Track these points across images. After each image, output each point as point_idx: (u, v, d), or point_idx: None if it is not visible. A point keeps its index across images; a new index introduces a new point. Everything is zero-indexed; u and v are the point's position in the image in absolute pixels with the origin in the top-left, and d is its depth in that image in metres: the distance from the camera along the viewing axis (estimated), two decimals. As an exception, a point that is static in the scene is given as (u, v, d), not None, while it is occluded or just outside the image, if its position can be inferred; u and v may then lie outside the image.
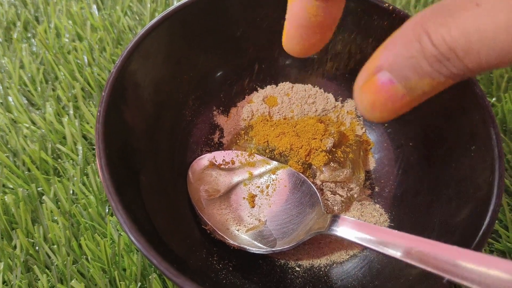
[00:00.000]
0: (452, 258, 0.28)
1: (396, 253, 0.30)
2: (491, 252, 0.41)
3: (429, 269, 0.29)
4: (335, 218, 0.35)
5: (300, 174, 0.41)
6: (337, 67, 0.46)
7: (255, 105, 0.45)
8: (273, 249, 0.37)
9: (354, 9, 0.42)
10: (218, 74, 0.45)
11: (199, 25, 0.41)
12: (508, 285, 0.26)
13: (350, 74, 0.46)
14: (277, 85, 0.47)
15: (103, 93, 0.33)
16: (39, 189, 0.44)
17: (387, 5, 0.40)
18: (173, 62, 0.41)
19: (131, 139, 0.36)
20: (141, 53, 0.37)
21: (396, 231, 0.32)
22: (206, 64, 0.44)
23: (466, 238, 0.32)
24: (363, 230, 0.33)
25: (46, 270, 0.39)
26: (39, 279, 0.39)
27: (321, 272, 0.39)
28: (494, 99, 0.50)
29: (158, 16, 0.38)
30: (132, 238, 0.28)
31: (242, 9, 0.42)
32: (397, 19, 0.40)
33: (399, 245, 0.31)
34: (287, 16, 0.26)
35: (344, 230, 0.34)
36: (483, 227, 0.31)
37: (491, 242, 0.41)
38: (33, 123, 0.48)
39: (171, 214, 0.38)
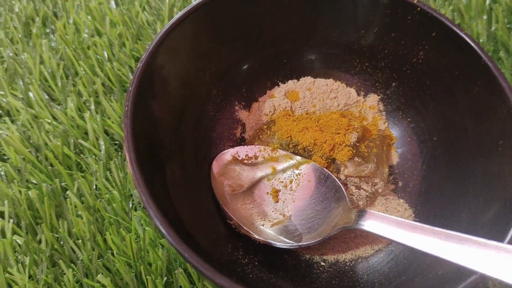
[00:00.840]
0: (485, 252, 0.28)
1: (425, 247, 0.30)
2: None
3: (460, 263, 0.29)
4: (361, 213, 0.35)
5: (324, 169, 0.41)
6: (360, 61, 0.46)
7: (277, 99, 0.45)
8: (299, 243, 0.37)
9: (379, 4, 0.42)
10: (241, 68, 0.45)
11: (222, 19, 0.41)
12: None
13: (373, 68, 0.46)
14: (298, 80, 0.47)
15: (130, 88, 0.33)
16: (62, 184, 0.44)
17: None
18: (197, 56, 0.41)
19: (158, 132, 0.36)
20: (167, 47, 0.37)
21: (424, 224, 0.31)
22: (229, 58, 0.44)
23: (495, 235, 0.31)
24: (391, 224, 0.33)
25: (72, 264, 0.40)
26: (65, 274, 0.39)
27: (347, 267, 0.39)
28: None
29: (182, 11, 0.38)
30: (164, 231, 0.28)
31: (266, 3, 0.42)
32: (420, 13, 0.40)
33: (428, 239, 0.31)
34: None
35: (371, 224, 0.34)
36: (515, 222, 0.31)
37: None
38: (55, 118, 0.48)
39: (196, 208, 0.38)
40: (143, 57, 0.35)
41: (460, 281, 0.29)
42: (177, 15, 0.37)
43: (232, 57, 0.44)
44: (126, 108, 0.32)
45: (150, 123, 0.35)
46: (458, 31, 0.38)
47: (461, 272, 0.30)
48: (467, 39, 0.38)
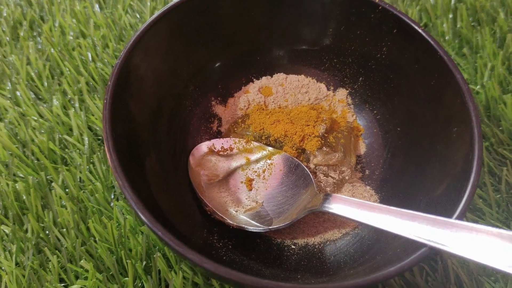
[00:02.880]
0: (432, 227, 0.31)
1: (382, 224, 0.33)
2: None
3: (411, 237, 0.31)
4: (327, 196, 0.38)
5: (295, 158, 0.43)
6: (328, 58, 0.49)
7: (251, 95, 0.48)
8: (270, 227, 0.40)
9: (344, 3, 0.44)
10: (216, 66, 0.48)
11: (196, 20, 0.44)
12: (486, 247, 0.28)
13: (341, 64, 0.49)
14: (272, 76, 0.50)
15: (108, 83, 0.36)
16: (48, 177, 0.46)
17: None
18: (172, 55, 0.43)
19: (135, 128, 0.38)
20: (142, 47, 0.39)
21: (384, 205, 0.34)
22: (204, 57, 0.47)
23: (447, 211, 0.34)
24: (353, 205, 0.36)
25: (56, 251, 0.42)
26: (50, 260, 0.41)
27: (315, 249, 0.41)
28: (478, 86, 0.52)
29: (157, 13, 0.40)
30: (138, 212, 0.30)
31: (235, 4, 0.45)
32: (381, 11, 0.43)
33: (384, 217, 0.33)
34: None
35: (336, 206, 0.37)
36: (463, 200, 0.33)
37: (476, 220, 0.44)
38: (41, 116, 0.51)
39: (174, 197, 0.41)
40: (120, 55, 0.37)
41: (412, 254, 0.32)
42: (152, 17, 0.40)
43: (207, 55, 0.47)
44: (105, 101, 0.35)
45: (127, 118, 0.37)
46: (416, 27, 0.41)
47: (414, 247, 0.32)
48: (424, 34, 0.41)
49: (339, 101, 0.49)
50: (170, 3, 0.41)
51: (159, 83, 0.42)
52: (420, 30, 0.41)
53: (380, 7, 0.43)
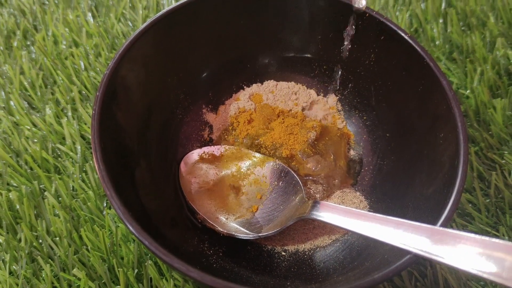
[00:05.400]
0: (416, 234, 0.31)
1: (368, 232, 0.33)
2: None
3: (396, 244, 0.32)
4: (315, 204, 0.38)
5: (285, 165, 0.44)
6: (318, 65, 0.49)
7: (241, 102, 0.48)
8: (259, 234, 0.40)
9: (332, 11, 0.45)
10: (205, 74, 0.48)
11: (184, 29, 0.44)
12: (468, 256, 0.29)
13: (330, 71, 0.49)
14: (262, 83, 0.50)
15: (97, 93, 0.36)
16: (41, 186, 0.46)
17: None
18: (162, 65, 0.44)
19: (124, 139, 0.39)
20: (130, 58, 0.39)
21: (370, 213, 0.35)
22: (193, 65, 0.47)
23: (434, 217, 0.34)
24: (341, 213, 0.36)
25: (49, 260, 0.42)
26: (43, 269, 0.41)
27: (306, 256, 0.42)
28: (468, 91, 0.52)
29: (144, 24, 0.41)
30: (125, 221, 0.30)
31: (223, 13, 0.45)
32: (369, 18, 0.43)
33: (370, 225, 0.34)
34: None
35: (324, 214, 0.37)
36: (448, 206, 0.34)
37: (465, 224, 0.44)
38: (34, 125, 0.51)
39: (164, 205, 0.41)
40: (109, 65, 0.38)
41: (397, 261, 0.32)
42: (141, 26, 0.40)
43: (197, 63, 0.47)
44: (94, 111, 0.35)
45: (116, 129, 0.37)
46: (402, 34, 0.42)
47: (400, 254, 0.33)
48: (410, 41, 0.41)
49: (329, 108, 0.49)
50: (158, 13, 0.41)
51: (148, 92, 0.42)
52: (406, 37, 0.41)
53: (367, 14, 0.43)
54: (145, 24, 0.40)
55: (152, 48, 0.42)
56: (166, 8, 0.42)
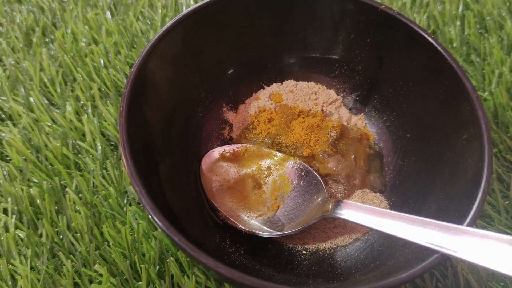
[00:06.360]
0: (444, 233, 0.31)
1: (393, 231, 0.33)
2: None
3: (423, 244, 0.32)
4: (338, 203, 0.38)
5: (305, 165, 0.44)
6: (338, 65, 0.50)
7: (262, 101, 0.49)
8: (281, 232, 0.40)
9: (354, 11, 0.45)
10: (227, 73, 0.49)
11: (208, 27, 0.45)
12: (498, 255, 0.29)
13: (351, 71, 0.49)
14: (282, 83, 0.50)
15: (124, 90, 0.36)
16: (62, 182, 0.47)
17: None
18: (185, 62, 0.44)
19: (151, 134, 0.39)
20: (157, 54, 0.40)
21: (393, 211, 0.35)
22: (216, 64, 0.47)
23: (458, 218, 0.34)
24: (364, 211, 0.36)
25: (71, 256, 0.42)
26: (64, 265, 0.42)
27: (326, 255, 0.42)
28: (486, 93, 0.53)
29: (172, 20, 0.41)
30: (155, 218, 0.31)
31: (245, 13, 0.45)
32: (391, 19, 0.43)
33: (395, 223, 0.34)
34: None
35: (347, 212, 0.37)
36: (474, 207, 0.34)
37: (485, 226, 0.44)
38: (54, 121, 0.51)
39: (187, 202, 0.41)
40: (136, 62, 0.38)
41: (424, 261, 0.32)
42: (167, 24, 0.41)
43: (219, 62, 0.47)
44: (121, 109, 0.36)
45: (143, 124, 0.38)
46: (425, 35, 0.42)
47: (425, 254, 0.33)
48: (433, 42, 0.41)
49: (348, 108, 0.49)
50: (184, 12, 0.42)
51: (173, 89, 0.43)
52: (429, 38, 0.42)
53: (390, 16, 0.43)
54: (172, 21, 0.41)
55: (177, 45, 0.42)
56: (193, 6, 0.42)
